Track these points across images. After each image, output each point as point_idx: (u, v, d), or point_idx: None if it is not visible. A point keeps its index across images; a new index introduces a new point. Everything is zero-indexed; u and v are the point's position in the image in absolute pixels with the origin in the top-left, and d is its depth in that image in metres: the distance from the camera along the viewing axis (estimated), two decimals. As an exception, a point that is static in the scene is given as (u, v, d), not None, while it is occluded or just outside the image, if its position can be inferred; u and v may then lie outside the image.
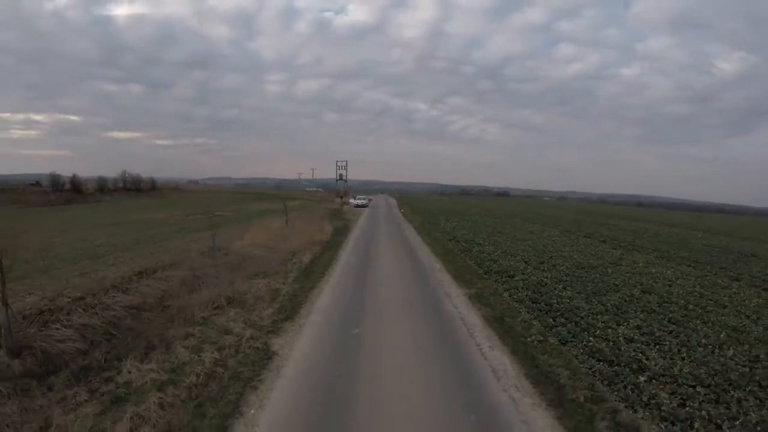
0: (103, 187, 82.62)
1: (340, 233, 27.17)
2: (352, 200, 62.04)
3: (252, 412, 6.20)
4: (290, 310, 10.69)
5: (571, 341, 8.69)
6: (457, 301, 11.84)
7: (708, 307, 11.28)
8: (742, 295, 12.85)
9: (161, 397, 6.48)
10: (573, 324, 9.68)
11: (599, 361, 7.77)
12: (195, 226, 27.47)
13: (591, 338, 8.76)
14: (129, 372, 7.74)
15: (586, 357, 7.95)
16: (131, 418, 5.91)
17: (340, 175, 75.73)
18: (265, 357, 8.03)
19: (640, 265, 16.90)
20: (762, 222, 62.51)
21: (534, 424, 5.97)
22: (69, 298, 10.41)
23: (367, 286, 13.10)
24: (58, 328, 8.69)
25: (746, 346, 8.53)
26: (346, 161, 75.03)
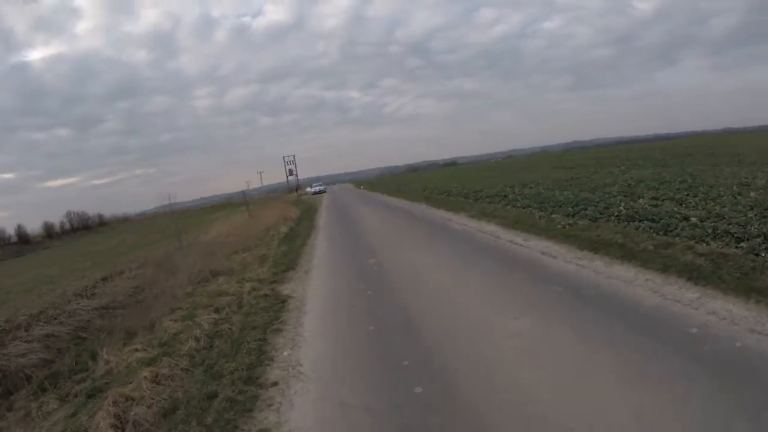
0: (50, 233, 74.59)
1: (310, 210, 25.62)
2: (309, 189, 60.37)
3: (286, 353, 4.88)
4: (288, 264, 9.29)
5: (601, 217, 8.02)
6: (462, 221, 10.96)
7: (702, 178, 11.12)
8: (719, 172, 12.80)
9: (154, 371, 4.95)
10: (593, 207, 9.06)
11: (641, 221, 7.11)
12: (154, 240, 24.86)
13: (621, 208, 8.13)
14: (107, 362, 6.19)
15: (626, 223, 7.28)
16: (114, 402, 4.36)
17: (290, 170, 72.70)
18: (278, 301, 6.66)
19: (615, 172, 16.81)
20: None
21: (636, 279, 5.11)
22: (27, 315, 9.16)
23: (361, 233, 11.89)
24: (16, 344, 7.90)
25: (761, 191, 8.27)
26: (294, 155, 72.27)
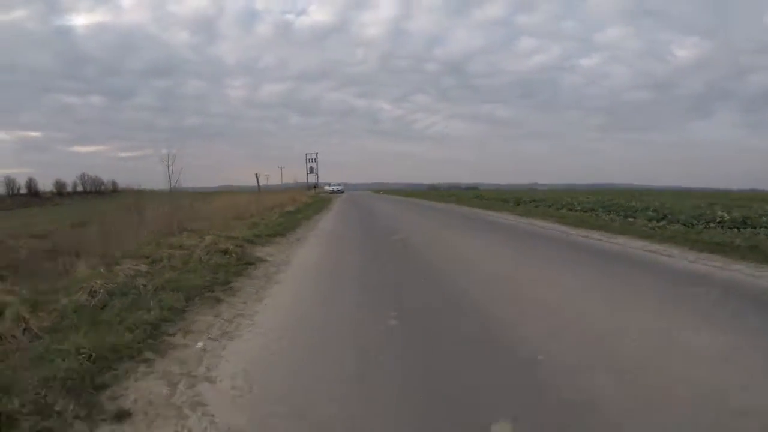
0: (61, 191, 74.80)
1: (325, 200, 23.68)
2: (327, 187, 56.75)
3: (199, 345, 2.61)
4: (279, 231, 7.18)
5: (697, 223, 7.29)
6: (506, 217, 8.91)
7: None
8: None
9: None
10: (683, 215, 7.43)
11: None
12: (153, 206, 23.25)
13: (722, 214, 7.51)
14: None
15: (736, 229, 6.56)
16: None
17: (311, 168, 71.29)
18: (242, 263, 4.50)
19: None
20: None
21: None
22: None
23: (382, 217, 9.79)
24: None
25: None
26: (316, 153, 70.80)
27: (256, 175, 20.08)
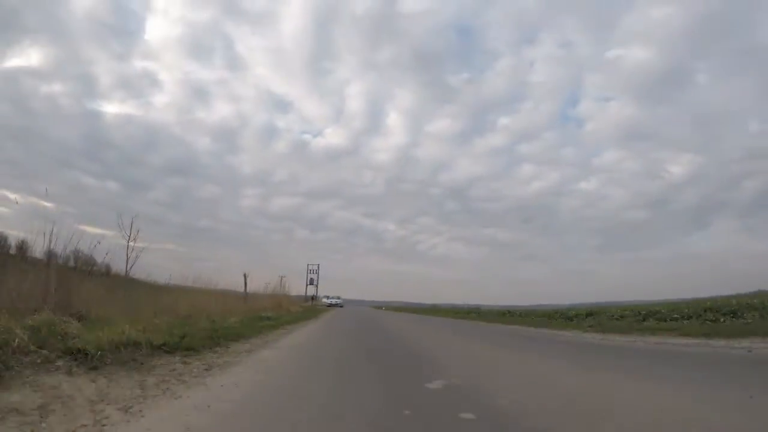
0: (49, 261, 70.32)
1: (318, 311, 21.04)
2: (324, 299, 53.19)
3: None
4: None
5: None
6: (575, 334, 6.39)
7: None
8: None
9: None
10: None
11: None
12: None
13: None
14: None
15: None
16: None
17: (311, 279, 69.06)
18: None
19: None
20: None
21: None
22: None
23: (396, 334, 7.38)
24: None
25: None
26: (318, 265, 69.28)
27: (245, 275, 18.00)
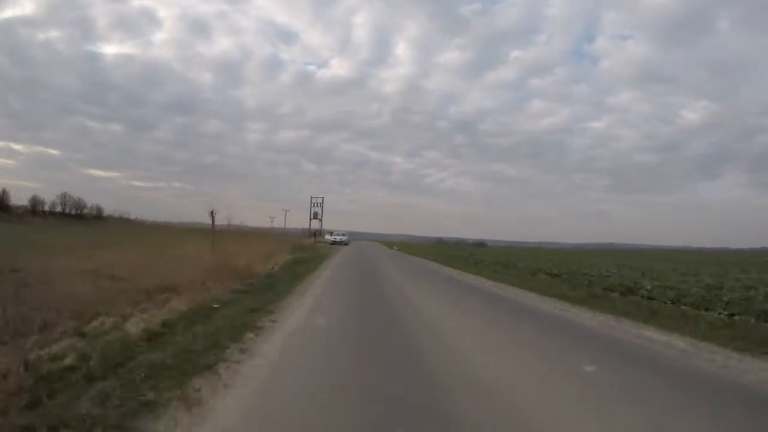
0: (35, 209, 67.25)
1: (312, 260, 17.06)
2: (328, 236, 48.43)
3: None
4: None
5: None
6: None
7: None
8: None
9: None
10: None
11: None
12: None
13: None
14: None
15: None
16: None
17: (315, 213, 65.61)
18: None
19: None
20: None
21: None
22: None
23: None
24: None
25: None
26: (323, 198, 65.32)
27: (211, 212, 13.87)
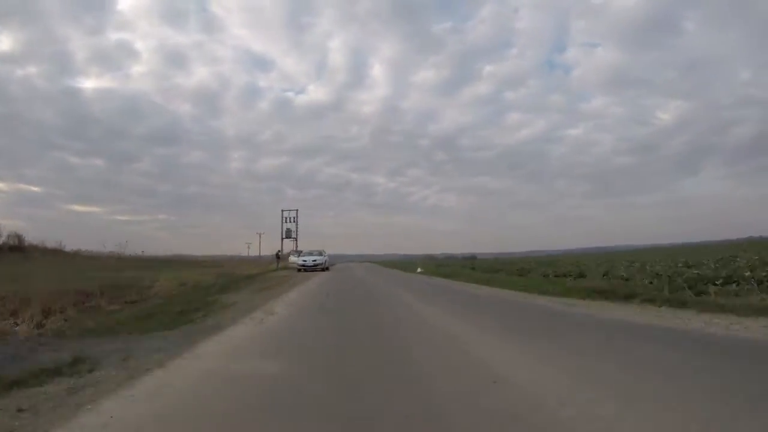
0: None
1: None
2: (294, 258, 32.43)
3: None
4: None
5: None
6: None
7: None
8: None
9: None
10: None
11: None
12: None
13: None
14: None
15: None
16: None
17: (288, 230, 50.98)
18: None
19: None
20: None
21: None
22: None
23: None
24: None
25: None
26: (296, 210, 51.10)
27: None
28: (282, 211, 50.78)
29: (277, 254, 37.95)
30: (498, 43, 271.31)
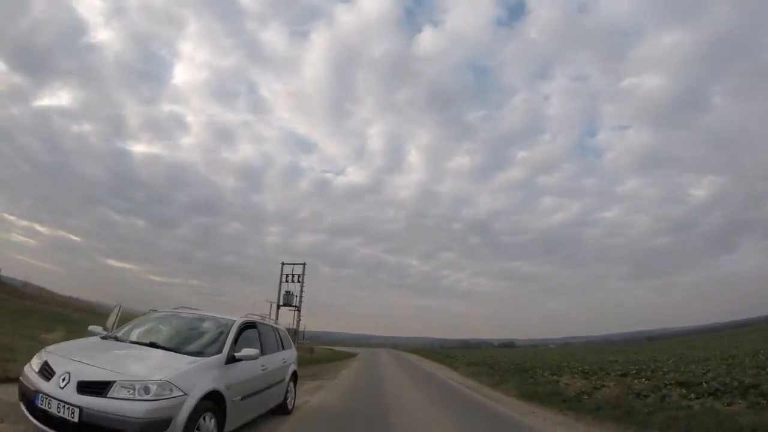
0: None
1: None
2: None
3: None
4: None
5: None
6: None
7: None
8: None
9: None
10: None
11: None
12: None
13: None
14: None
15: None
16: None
17: (287, 294, 32.04)
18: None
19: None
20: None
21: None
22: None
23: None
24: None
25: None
26: (304, 264, 32.61)
27: None
28: (282, 264, 32.56)
29: (289, 331, 19.80)
30: (530, 129, 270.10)
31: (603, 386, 9.17)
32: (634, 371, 11.94)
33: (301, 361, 20.73)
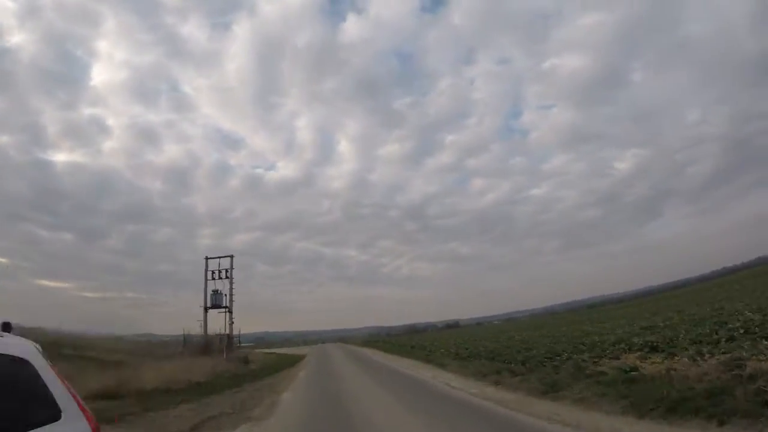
0: None
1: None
2: None
3: None
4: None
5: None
6: None
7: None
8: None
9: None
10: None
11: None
12: None
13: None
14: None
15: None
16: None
17: (214, 294, 25.95)
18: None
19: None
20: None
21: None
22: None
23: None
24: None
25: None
26: (231, 257, 26.79)
27: None
28: (206, 259, 26.29)
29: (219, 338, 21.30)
30: (457, 114, 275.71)
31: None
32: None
33: (228, 381, 15.00)
